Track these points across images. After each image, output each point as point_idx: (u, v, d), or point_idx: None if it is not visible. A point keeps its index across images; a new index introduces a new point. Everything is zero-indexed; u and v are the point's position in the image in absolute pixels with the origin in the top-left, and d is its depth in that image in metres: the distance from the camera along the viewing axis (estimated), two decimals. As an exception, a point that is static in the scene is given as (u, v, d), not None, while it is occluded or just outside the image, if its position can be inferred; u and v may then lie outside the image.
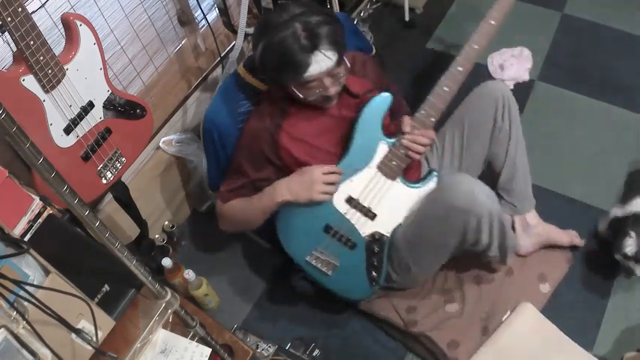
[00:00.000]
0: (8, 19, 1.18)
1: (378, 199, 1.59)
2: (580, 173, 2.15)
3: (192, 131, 2.15)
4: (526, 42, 2.55)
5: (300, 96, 1.48)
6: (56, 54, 1.33)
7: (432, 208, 1.57)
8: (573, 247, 1.93)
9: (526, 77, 2.46)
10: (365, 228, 1.62)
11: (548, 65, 2.51)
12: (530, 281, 1.87)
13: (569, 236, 1.92)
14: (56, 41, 1.57)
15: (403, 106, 1.83)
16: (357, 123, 1.55)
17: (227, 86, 1.74)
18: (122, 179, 1.77)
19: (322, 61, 1.40)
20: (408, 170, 1.61)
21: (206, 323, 1.29)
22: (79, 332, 0.98)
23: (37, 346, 0.92)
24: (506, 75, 2.47)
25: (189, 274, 1.84)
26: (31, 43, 1.25)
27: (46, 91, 1.34)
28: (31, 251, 0.98)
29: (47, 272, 1.00)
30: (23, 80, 1.29)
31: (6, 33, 1.22)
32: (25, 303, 0.91)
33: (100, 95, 1.49)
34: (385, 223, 1.62)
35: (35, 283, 0.97)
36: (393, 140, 1.55)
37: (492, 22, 1.53)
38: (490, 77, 2.46)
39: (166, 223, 2.14)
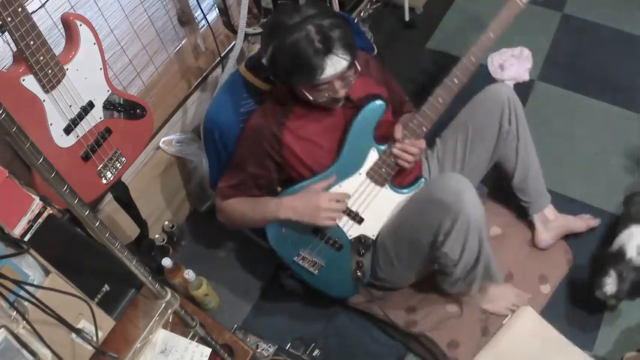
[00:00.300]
0: (8, 19, 1.18)
1: (367, 204, 1.62)
2: (580, 173, 2.15)
3: (192, 131, 2.15)
4: (526, 42, 2.55)
5: (310, 98, 1.47)
6: (56, 54, 1.33)
7: (418, 197, 1.59)
8: (589, 230, 1.96)
9: (526, 77, 2.46)
10: (352, 231, 1.65)
11: (548, 65, 2.51)
12: (531, 282, 1.87)
13: (584, 221, 1.96)
14: (56, 41, 1.57)
15: (405, 102, 1.83)
16: (349, 129, 1.56)
17: (228, 86, 1.73)
18: (122, 179, 1.77)
19: (336, 64, 1.39)
20: (399, 174, 1.63)
21: (206, 323, 1.29)
22: (79, 332, 0.98)
23: (37, 346, 0.92)
24: (506, 75, 2.47)
25: (189, 274, 1.84)
26: (31, 43, 1.25)
27: (46, 91, 1.34)
28: (31, 251, 0.97)
29: (47, 272, 1.00)
30: (23, 80, 1.29)
31: (6, 33, 1.22)
32: (25, 303, 0.91)
33: (100, 95, 1.49)
34: (372, 227, 1.66)
35: (35, 283, 0.97)
36: (383, 147, 1.58)
37: (491, 36, 1.56)
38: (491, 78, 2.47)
39: (166, 223, 2.14)
